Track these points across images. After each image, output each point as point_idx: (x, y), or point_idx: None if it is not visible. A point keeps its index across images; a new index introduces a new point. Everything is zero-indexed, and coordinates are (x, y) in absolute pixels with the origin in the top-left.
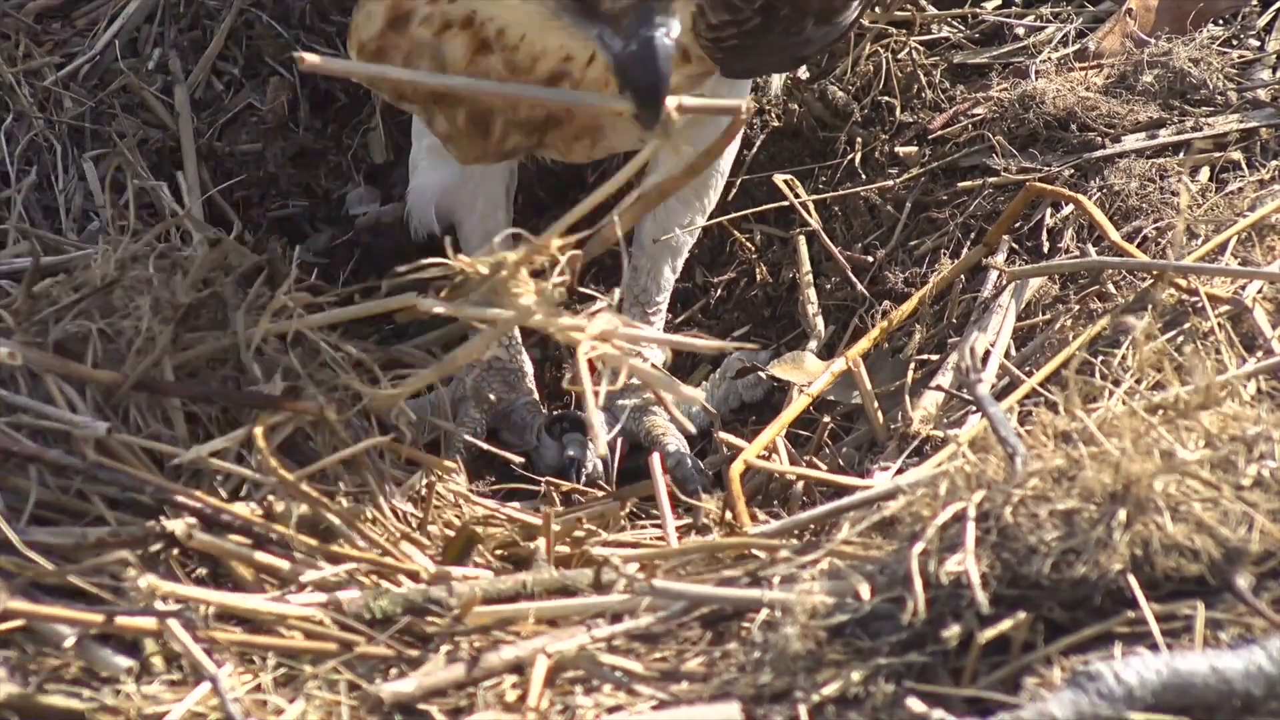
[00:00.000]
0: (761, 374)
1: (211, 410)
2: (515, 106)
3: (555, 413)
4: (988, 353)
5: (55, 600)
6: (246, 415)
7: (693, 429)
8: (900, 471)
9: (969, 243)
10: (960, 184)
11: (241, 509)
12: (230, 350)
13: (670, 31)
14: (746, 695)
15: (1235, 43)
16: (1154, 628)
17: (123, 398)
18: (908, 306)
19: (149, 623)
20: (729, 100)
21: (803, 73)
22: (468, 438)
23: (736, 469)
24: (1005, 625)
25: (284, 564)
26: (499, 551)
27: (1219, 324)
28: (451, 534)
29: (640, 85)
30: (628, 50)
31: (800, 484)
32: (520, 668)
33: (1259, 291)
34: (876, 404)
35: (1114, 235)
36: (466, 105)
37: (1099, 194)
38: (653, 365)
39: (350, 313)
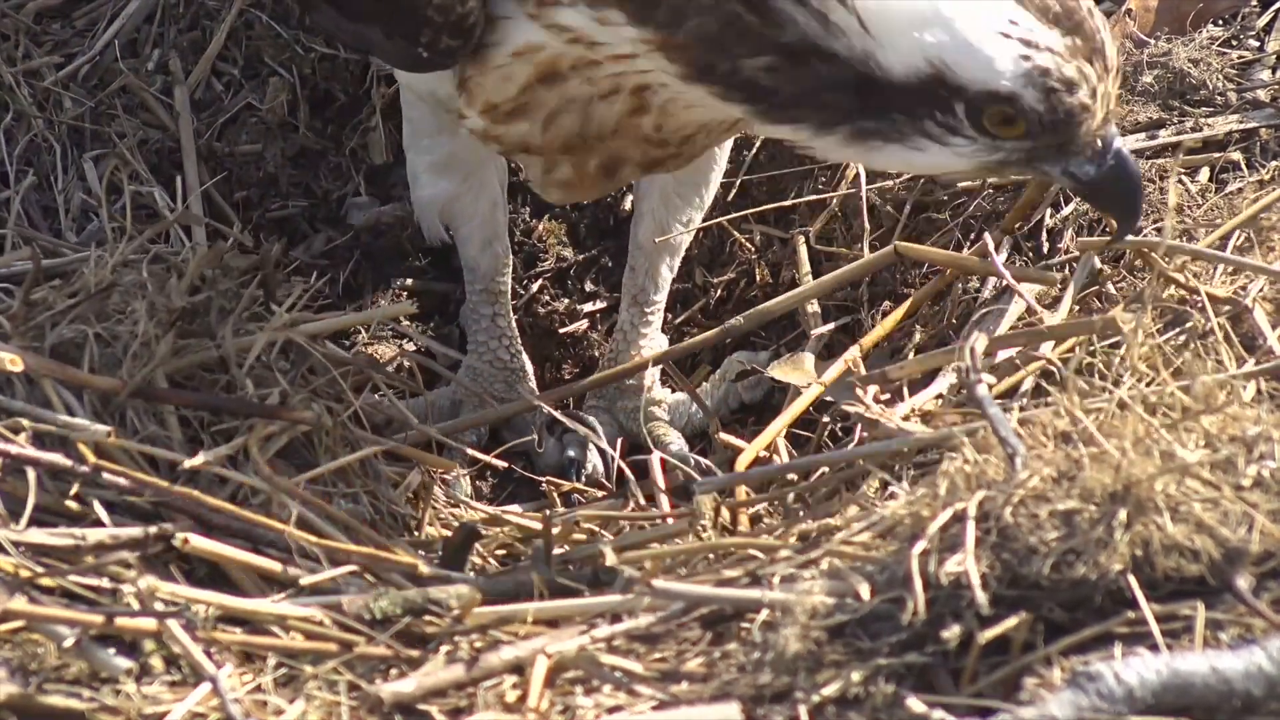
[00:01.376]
0: (762, 374)
1: (204, 415)
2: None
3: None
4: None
5: (55, 602)
6: (242, 420)
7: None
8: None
9: (968, 243)
10: (960, 184)
11: (240, 512)
12: (224, 357)
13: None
14: (746, 696)
15: (1235, 43)
16: (1154, 628)
17: (120, 402)
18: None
19: (148, 623)
20: None
21: None
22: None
23: (744, 460)
24: (1005, 625)
25: (283, 566)
26: (499, 552)
27: (1219, 324)
28: (450, 534)
29: (1129, 194)
30: (1105, 168)
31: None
32: (520, 668)
33: (1259, 291)
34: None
35: None
36: (600, 155)
37: None
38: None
39: (343, 321)
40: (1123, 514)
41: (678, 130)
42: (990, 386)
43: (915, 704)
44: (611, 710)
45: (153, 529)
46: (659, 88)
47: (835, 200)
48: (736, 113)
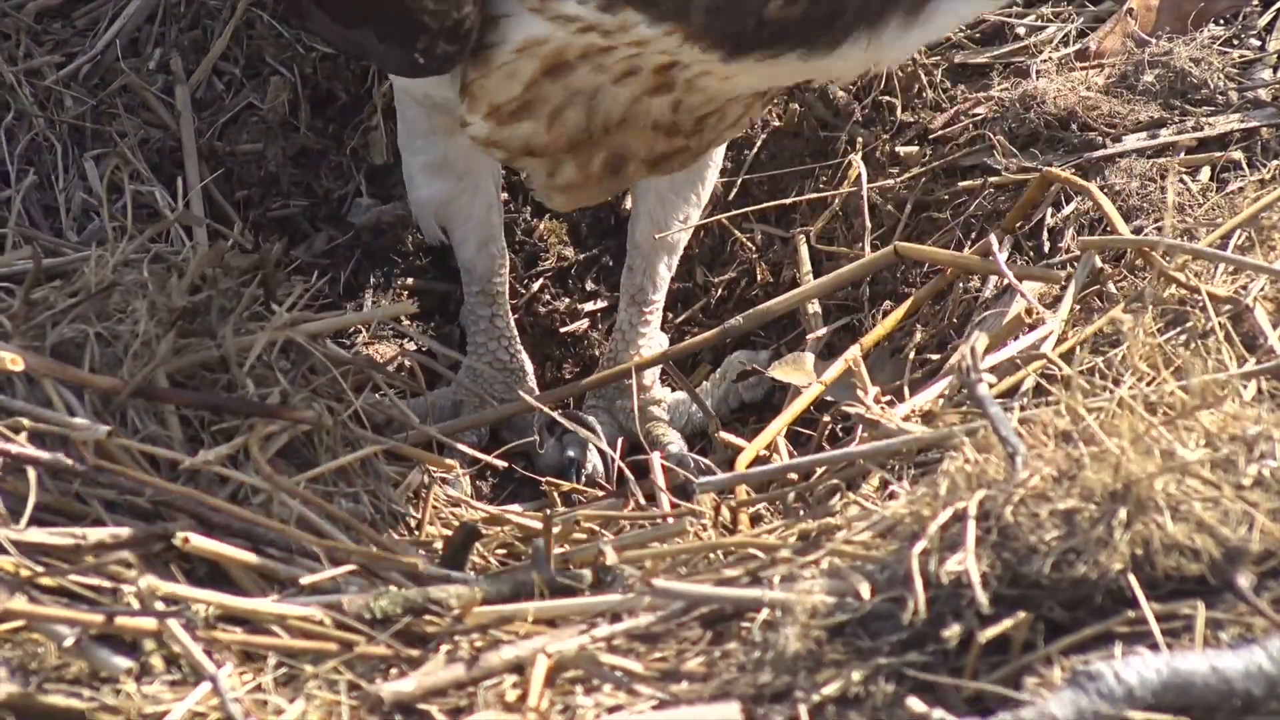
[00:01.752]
0: (762, 374)
1: (205, 414)
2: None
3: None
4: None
5: (55, 601)
6: (242, 419)
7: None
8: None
9: (969, 242)
10: (961, 183)
11: (240, 512)
12: (225, 356)
13: None
14: (746, 695)
15: (1236, 42)
16: (1154, 627)
17: (120, 402)
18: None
19: (148, 623)
20: None
21: None
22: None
23: (744, 460)
24: (1005, 625)
25: (283, 566)
26: (499, 552)
27: (1220, 324)
28: (450, 534)
29: None
30: None
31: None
32: (520, 667)
33: (1260, 290)
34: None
35: (1122, 227)
36: (605, 150)
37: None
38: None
39: (343, 321)
40: (1123, 513)
41: (696, 110)
42: (991, 386)
43: (915, 703)
44: (611, 710)
45: (153, 528)
46: (686, 65)
47: (836, 199)
48: (791, 63)
